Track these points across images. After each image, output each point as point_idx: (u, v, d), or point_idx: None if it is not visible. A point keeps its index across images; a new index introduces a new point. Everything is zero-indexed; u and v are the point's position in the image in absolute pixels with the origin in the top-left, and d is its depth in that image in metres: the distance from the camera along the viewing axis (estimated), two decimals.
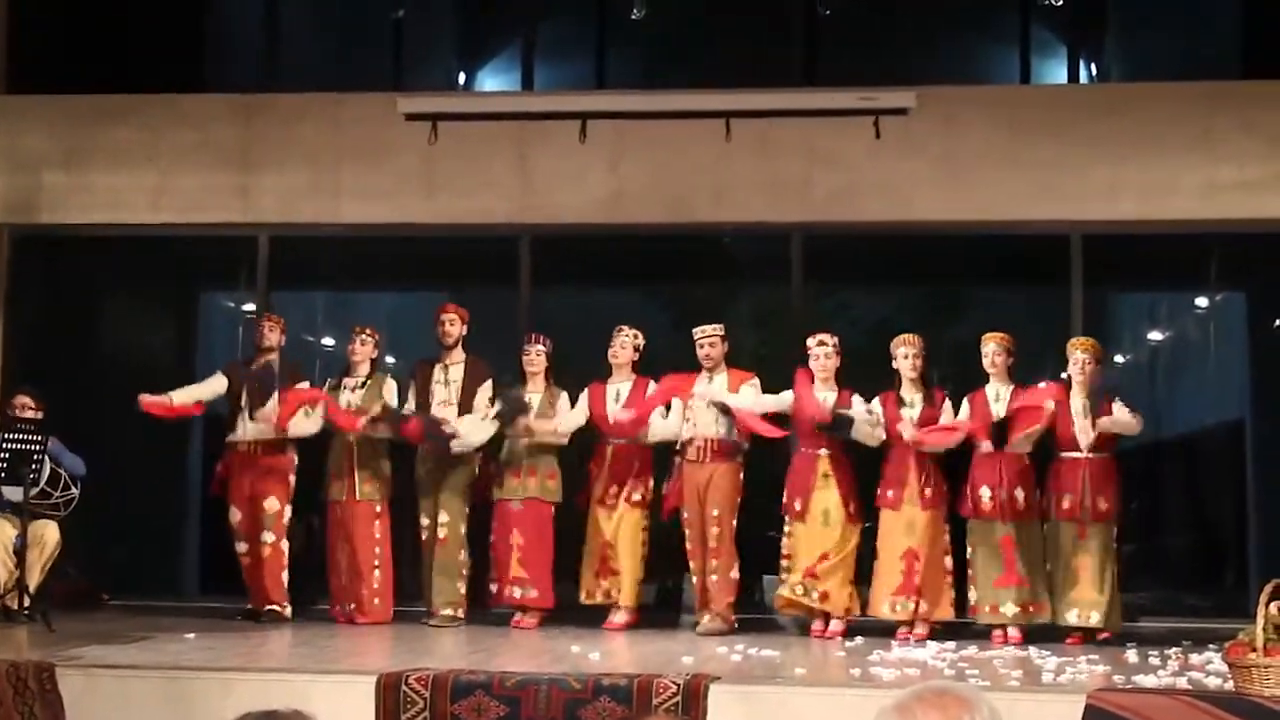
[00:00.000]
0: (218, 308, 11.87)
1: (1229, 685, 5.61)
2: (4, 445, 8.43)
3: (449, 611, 8.91)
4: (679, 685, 5.81)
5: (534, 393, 9.04)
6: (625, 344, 8.99)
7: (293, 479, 9.17)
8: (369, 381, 9.16)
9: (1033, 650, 7.64)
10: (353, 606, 9.02)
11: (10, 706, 5.85)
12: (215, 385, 9.26)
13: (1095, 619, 8.28)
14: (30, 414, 8.87)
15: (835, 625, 8.50)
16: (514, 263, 10.64)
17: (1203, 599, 10.53)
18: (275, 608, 9.04)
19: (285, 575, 9.12)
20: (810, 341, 8.75)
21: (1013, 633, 8.34)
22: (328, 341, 11.33)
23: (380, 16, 11.33)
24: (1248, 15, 10.98)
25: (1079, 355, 8.54)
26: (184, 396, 9.12)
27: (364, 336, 9.24)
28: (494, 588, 8.98)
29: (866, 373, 8.79)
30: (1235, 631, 5.56)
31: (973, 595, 8.49)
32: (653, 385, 8.90)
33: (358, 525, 9.05)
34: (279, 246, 10.83)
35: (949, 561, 8.54)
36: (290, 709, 2.89)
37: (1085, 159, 10.06)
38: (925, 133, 9.96)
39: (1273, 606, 5.37)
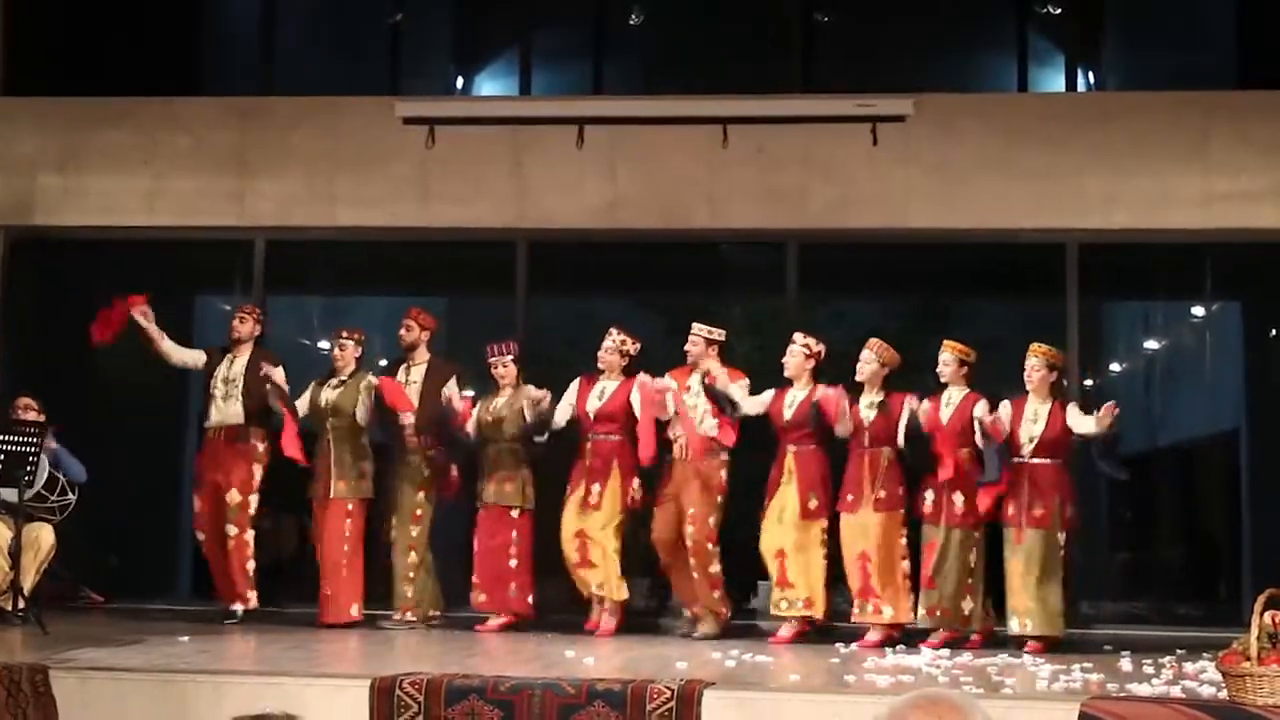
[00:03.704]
0: (214, 311, 11.86)
1: (1223, 694, 5.61)
2: (1, 447, 8.46)
3: (400, 615, 9.00)
4: (673, 691, 5.80)
5: (501, 396, 9.07)
6: (611, 348, 9.01)
7: (258, 470, 9.13)
8: (349, 380, 9.18)
9: (1027, 658, 7.64)
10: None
11: (3, 709, 5.84)
12: (195, 356, 9.32)
13: (1030, 626, 8.28)
14: (32, 415, 8.90)
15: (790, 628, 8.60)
16: (510, 269, 10.63)
17: (1197, 608, 10.55)
18: (237, 605, 9.05)
19: (251, 567, 9.08)
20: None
21: (935, 638, 8.37)
22: (324, 345, 11.32)
23: (377, 22, 11.35)
24: (1243, 26, 10.99)
25: (1031, 360, 8.56)
26: (175, 347, 9.25)
27: (342, 340, 9.27)
28: (475, 593, 9.00)
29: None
30: (1229, 640, 5.56)
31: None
32: (637, 386, 8.94)
33: (329, 524, 9.05)
34: (275, 250, 10.83)
35: (907, 565, 8.56)
36: (283, 712, 2.89)
37: (1081, 168, 10.07)
38: (921, 141, 9.96)
39: (1267, 615, 5.37)
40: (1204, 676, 6.72)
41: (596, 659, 7.23)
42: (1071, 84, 11.07)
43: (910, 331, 9.12)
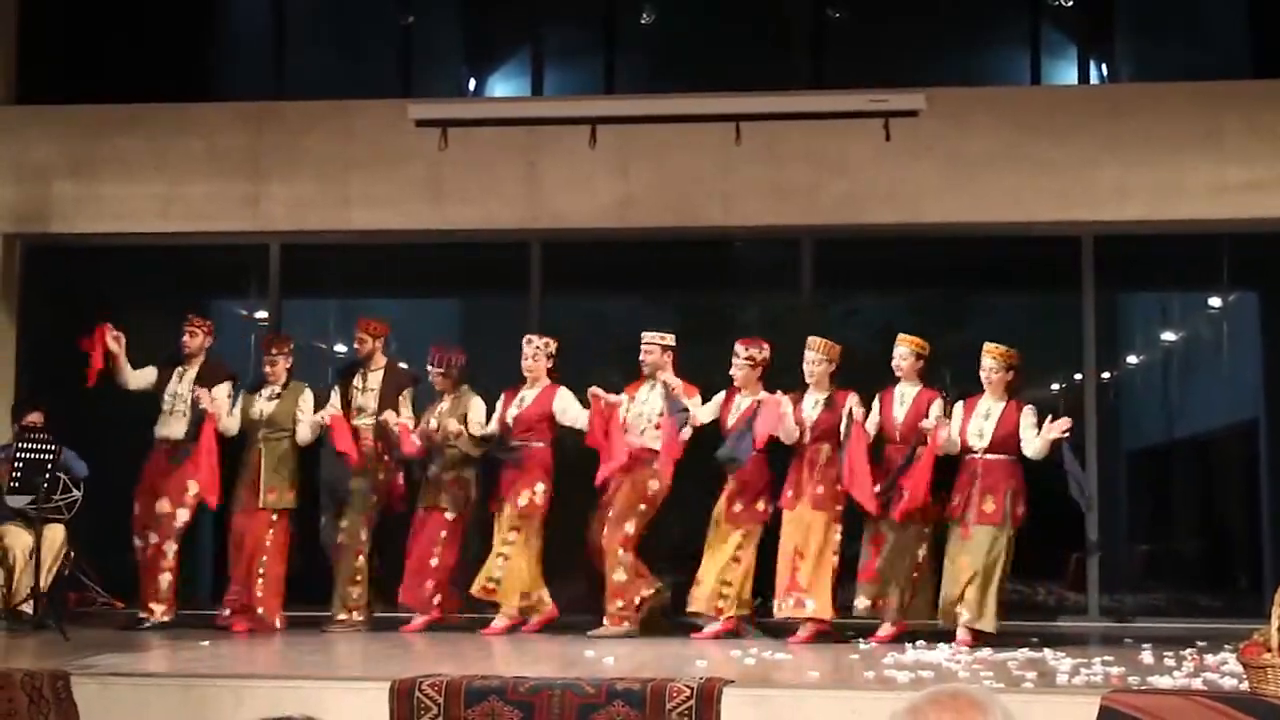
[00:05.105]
0: (229, 316, 11.89)
1: (1244, 686, 5.59)
2: (19, 455, 8.55)
3: (346, 616, 9.06)
4: (693, 689, 5.80)
5: (444, 403, 9.10)
6: (537, 354, 9.03)
7: (193, 485, 9.04)
8: (284, 392, 9.19)
9: (1048, 652, 7.63)
10: (229, 613, 8.95)
11: (25, 715, 5.86)
12: (147, 375, 9.25)
13: (966, 618, 8.23)
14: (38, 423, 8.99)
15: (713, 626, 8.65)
16: (524, 269, 10.64)
17: (1217, 599, 10.51)
18: (146, 613, 9.00)
19: (167, 579, 9.02)
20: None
21: (883, 631, 8.40)
22: (340, 349, 11.35)
23: (389, 24, 11.35)
24: (1255, 15, 10.95)
25: (987, 362, 8.48)
26: (130, 371, 9.15)
27: (273, 355, 9.25)
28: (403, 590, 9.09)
29: (876, 377, 8.76)
30: (1250, 632, 5.55)
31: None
32: (561, 392, 8.95)
33: (255, 531, 9.03)
34: (289, 254, 10.85)
35: (836, 561, 8.56)
36: (303, 715, 2.90)
37: (1094, 160, 10.04)
38: (934, 135, 9.93)
39: None
40: (1225, 668, 6.71)
41: (616, 659, 7.23)
42: (1084, 76, 11.04)
43: (925, 326, 9.09)
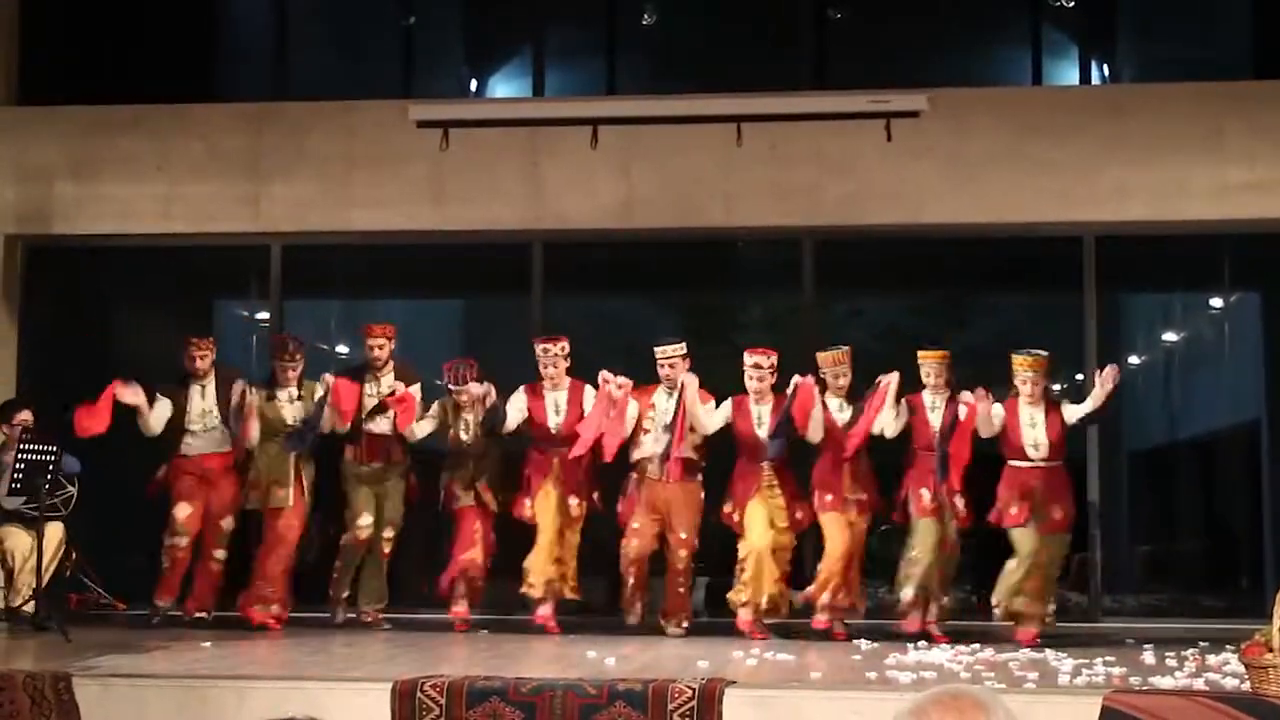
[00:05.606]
0: (231, 316, 11.90)
1: (1245, 686, 5.59)
2: (20, 456, 8.55)
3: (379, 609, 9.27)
4: (694, 690, 5.80)
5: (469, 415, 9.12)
6: (557, 360, 8.96)
7: (239, 493, 9.22)
8: (303, 393, 9.20)
9: (1050, 653, 7.62)
10: (275, 608, 9.02)
11: (28, 716, 5.86)
12: (164, 409, 9.16)
13: (1034, 627, 8.32)
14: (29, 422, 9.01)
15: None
16: (526, 270, 10.64)
17: (1219, 600, 10.52)
18: (203, 614, 9.13)
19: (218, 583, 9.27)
20: (746, 359, 8.74)
21: (939, 631, 8.48)
22: (342, 349, 11.36)
23: (390, 24, 11.36)
24: (1258, 16, 10.96)
25: (1026, 374, 8.47)
26: (151, 416, 9.10)
27: (295, 360, 9.22)
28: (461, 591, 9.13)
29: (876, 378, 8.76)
30: (1251, 632, 5.54)
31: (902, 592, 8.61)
32: (589, 390, 8.93)
33: (291, 531, 9.12)
34: (290, 255, 10.85)
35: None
36: (305, 716, 2.90)
37: (1096, 161, 10.05)
38: (936, 135, 9.94)
39: None
40: (1227, 669, 6.71)
41: (617, 659, 7.23)
42: (1085, 77, 11.04)
43: (927, 327, 9.10)
